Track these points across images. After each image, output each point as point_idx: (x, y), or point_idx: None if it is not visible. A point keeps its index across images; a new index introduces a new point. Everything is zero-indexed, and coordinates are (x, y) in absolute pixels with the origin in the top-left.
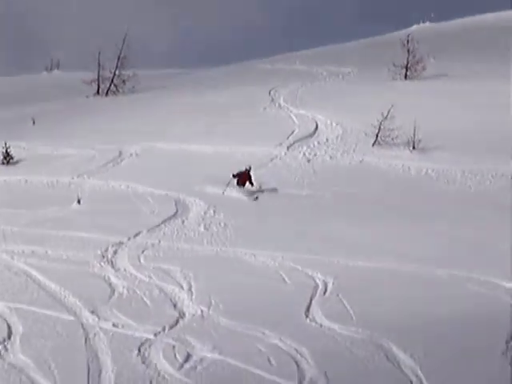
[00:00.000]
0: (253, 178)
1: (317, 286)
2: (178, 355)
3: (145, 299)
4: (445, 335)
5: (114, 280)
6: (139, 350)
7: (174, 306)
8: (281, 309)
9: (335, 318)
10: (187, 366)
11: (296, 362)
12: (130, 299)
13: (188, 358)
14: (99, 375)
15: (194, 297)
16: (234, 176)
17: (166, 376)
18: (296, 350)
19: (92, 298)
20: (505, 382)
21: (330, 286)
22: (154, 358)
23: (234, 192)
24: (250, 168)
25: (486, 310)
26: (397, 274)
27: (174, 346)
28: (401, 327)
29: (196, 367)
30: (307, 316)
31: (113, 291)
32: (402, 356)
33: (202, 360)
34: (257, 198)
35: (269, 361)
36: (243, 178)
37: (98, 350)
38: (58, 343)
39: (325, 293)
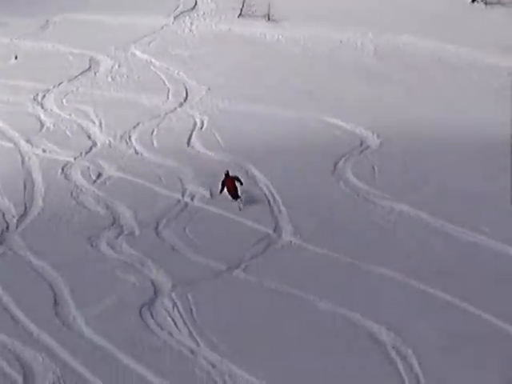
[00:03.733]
0: (240, 178)
1: (195, 123)
2: (91, 174)
3: (67, 132)
4: (290, 158)
5: (43, 117)
6: (62, 170)
7: (89, 137)
8: (168, 140)
9: (209, 147)
10: (98, 181)
11: (180, 179)
12: (56, 132)
13: (99, 176)
14: (33, 188)
15: (103, 130)
16: (221, 192)
17: (83, 189)
18: (180, 170)
19: (27, 131)
20: (329, 172)
21: (205, 123)
22: (73, 176)
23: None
24: (228, 172)
25: (322, 142)
26: (256, 115)
27: (88, 167)
28: (258, 154)
29: (105, 182)
30: (189, 145)
31: (42, 126)
32: (257, 174)
33: (109, 177)
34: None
35: (160, 179)
36: (230, 185)
37: (32, 170)
38: (1, 164)
39: (201, 128)
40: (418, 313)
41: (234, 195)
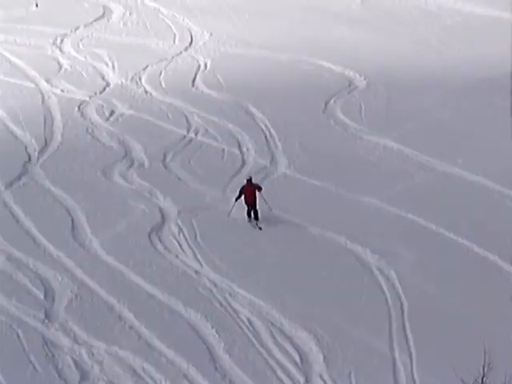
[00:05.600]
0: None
1: (199, 65)
2: (105, 111)
3: (82, 73)
4: (285, 97)
5: (61, 60)
6: (79, 108)
7: (103, 78)
8: (175, 81)
9: (212, 87)
10: (112, 118)
11: (185, 116)
12: (73, 73)
13: (112, 113)
14: (52, 124)
15: (116, 72)
16: (236, 199)
17: (98, 125)
18: (186, 109)
19: (46, 72)
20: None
21: (208, 65)
22: (88, 113)
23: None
24: (251, 178)
25: (314, 83)
26: (254, 58)
27: (102, 106)
28: (256, 94)
29: (118, 119)
30: (193, 85)
31: (60, 67)
32: (255, 112)
33: (122, 115)
34: (260, 228)
35: (167, 116)
36: (249, 193)
37: (51, 107)
38: (23, 102)
39: (205, 70)
40: (400, 237)
41: (250, 210)
